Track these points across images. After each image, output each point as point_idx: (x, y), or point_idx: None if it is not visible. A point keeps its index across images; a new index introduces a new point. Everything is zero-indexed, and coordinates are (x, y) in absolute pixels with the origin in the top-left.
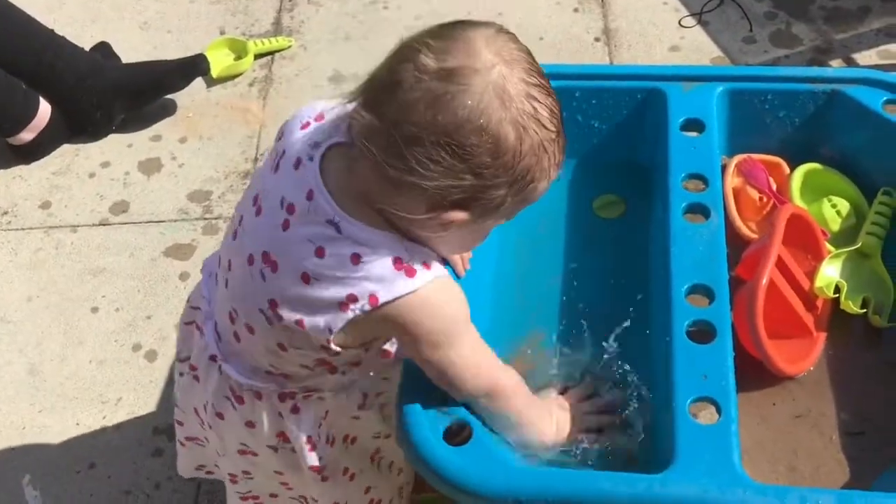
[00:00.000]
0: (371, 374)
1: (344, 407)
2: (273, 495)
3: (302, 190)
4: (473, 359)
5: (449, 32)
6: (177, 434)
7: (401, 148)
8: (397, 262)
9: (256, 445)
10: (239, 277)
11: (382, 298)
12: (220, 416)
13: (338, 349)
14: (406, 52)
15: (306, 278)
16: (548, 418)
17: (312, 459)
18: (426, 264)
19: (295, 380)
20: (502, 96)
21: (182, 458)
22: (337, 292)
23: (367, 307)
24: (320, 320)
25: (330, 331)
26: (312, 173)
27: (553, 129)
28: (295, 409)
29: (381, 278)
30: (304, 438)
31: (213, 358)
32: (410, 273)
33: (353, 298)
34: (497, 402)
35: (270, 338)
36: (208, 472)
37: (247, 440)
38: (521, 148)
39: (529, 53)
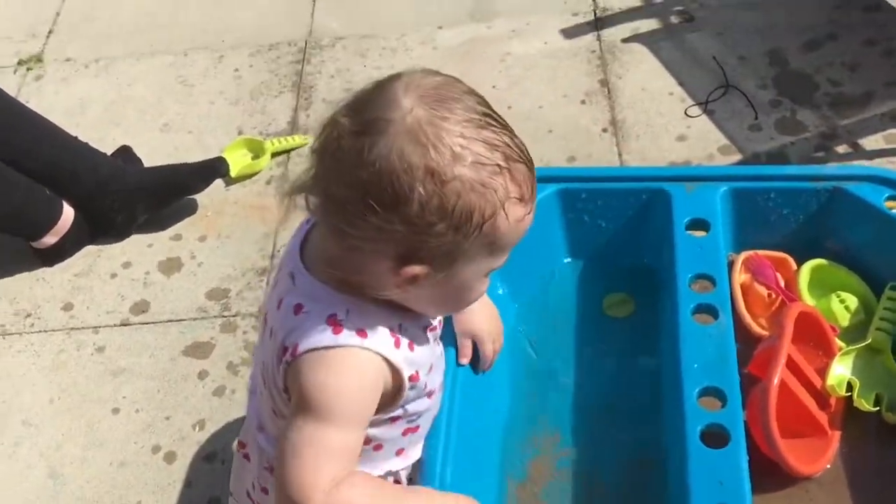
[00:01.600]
0: (395, 451)
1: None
2: None
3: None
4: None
5: (372, 87)
6: None
7: (338, 212)
8: (331, 318)
9: None
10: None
11: (301, 348)
12: (264, 490)
13: None
14: (330, 118)
15: (272, 332)
16: None
17: None
18: (362, 332)
19: None
20: (418, 140)
21: None
22: (278, 342)
23: (289, 357)
24: (276, 374)
25: (281, 388)
26: (297, 239)
27: (492, 162)
28: None
29: (309, 330)
30: None
31: (256, 429)
32: (337, 330)
33: (284, 349)
34: None
35: (268, 403)
36: None
37: None
38: (445, 190)
39: (471, 92)
